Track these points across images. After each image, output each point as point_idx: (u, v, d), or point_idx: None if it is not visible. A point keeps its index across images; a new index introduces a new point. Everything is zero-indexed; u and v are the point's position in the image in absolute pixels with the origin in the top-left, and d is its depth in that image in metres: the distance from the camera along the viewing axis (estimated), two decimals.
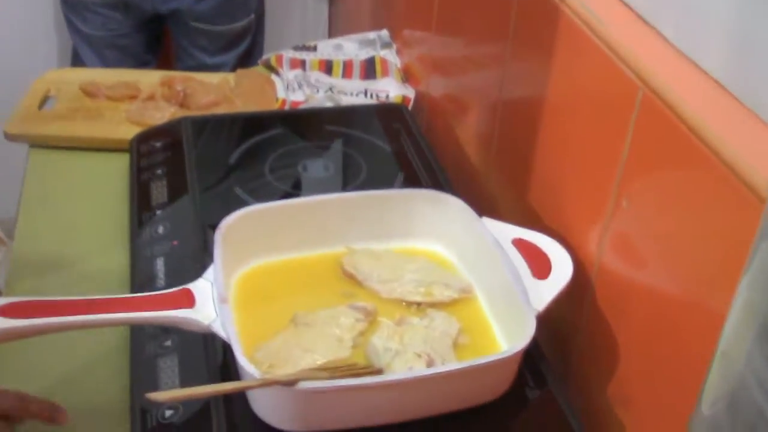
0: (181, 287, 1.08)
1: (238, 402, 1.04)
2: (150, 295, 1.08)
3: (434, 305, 1.19)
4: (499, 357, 1.00)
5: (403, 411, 1.03)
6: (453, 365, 0.99)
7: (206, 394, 1.02)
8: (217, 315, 1.04)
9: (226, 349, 1.03)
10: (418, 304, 1.19)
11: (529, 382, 1.11)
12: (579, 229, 1.17)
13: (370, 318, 1.16)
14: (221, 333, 1.02)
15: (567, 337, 1.21)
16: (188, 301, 1.06)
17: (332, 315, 1.15)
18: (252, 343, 1.11)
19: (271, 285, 1.21)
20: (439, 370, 0.98)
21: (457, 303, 1.19)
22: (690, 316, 0.92)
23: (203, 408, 1.05)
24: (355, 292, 1.21)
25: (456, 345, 1.13)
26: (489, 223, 1.21)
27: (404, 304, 1.19)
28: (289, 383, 0.94)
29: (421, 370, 1.00)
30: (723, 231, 0.86)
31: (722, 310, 0.65)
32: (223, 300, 1.05)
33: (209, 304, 1.05)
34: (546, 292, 1.10)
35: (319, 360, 1.09)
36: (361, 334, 1.14)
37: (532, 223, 1.22)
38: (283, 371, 1.07)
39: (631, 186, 1.03)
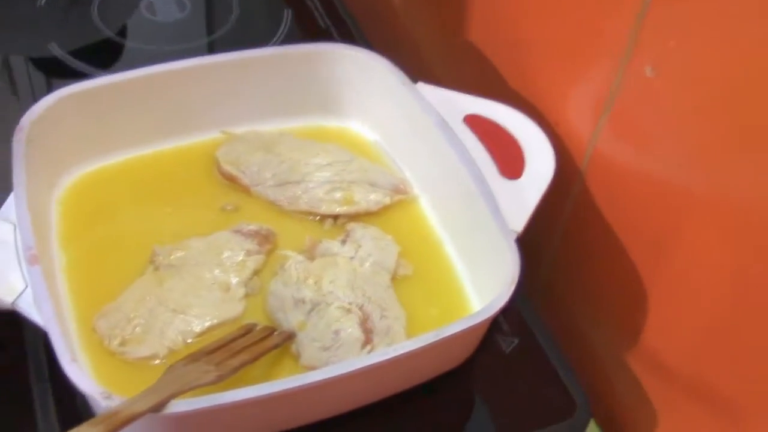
0: None
1: None
2: None
3: (357, 217, 0.83)
4: (475, 321, 0.66)
5: (338, 405, 0.69)
6: (407, 345, 0.64)
7: None
8: (26, 284, 0.65)
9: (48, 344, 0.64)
10: (335, 217, 0.82)
11: (501, 326, 0.79)
12: (564, 100, 0.81)
13: (267, 247, 0.79)
14: (34, 316, 0.63)
15: (536, 246, 0.87)
16: None
17: (209, 247, 0.77)
18: (90, 305, 0.73)
19: (109, 204, 0.82)
20: (388, 355, 0.63)
21: (390, 211, 0.84)
22: (713, 219, 0.65)
23: None
24: (240, 203, 0.83)
25: (395, 278, 0.78)
26: (428, 91, 0.83)
27: (314, 218, 0.82)
28: (154, 408, 0.58)
29: (364, 358, 0.65)
30: None
31: None
32: (33, 257, 0.66)
33: (11, 266, 0.66)
34: (522, 198, 0.76)
35: (197, 325, 0.73)
36: (256, 273, 0.77)
37: (488, 91, 0.84)
38: (144, 347, 0.71)
39: (660, 44, 0.66)
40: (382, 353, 0.63)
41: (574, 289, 0.87)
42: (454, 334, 0.65)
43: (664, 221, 0.72)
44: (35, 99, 0.77)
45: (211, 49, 1.03)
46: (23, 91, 0.95)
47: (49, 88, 0.83)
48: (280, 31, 1.06)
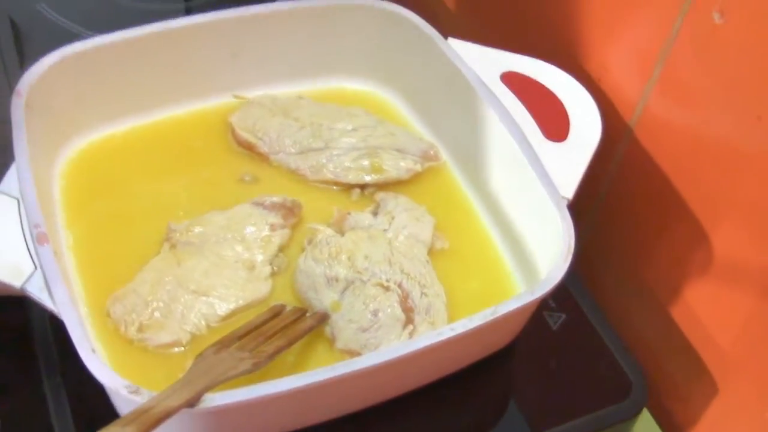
0: None
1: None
2: None
3: (386, 186, 0.76)
4: (533, 297, 0.60)
5: (384, 392, 0.63)
6: (463, 324, 0.58)
7: None
8: (35, 265, 0.58)
9: (58, 330, 0.57)
10: (363, 186, 0.76)
11: (547, 301, 0.73)
12: (610, 53, 0.75)
13: (293, 220, 0.72)
14: (46, 300, 0.57)
15: (574, 210, 0.81)
16: None
17: (229, 222, 0.71)
18: (101, 289, 0.66)
19: (117, 176, 0.75)
20: (443, 336, 0.57)
21: (419, 179, 0.77)
22: None
23: None
24: (259, 173, 0.76)
25: (431, 252, 0.72)
26: (460, 47, 0.76)
27: (339, 188, 0.76)
28: (189, 403, 0.51)
29: (414, 342, 0.58)
30: None
31: None
32: (42, 236, 0.59)
33: (17, 246, 0.59)
34: (569, 162, 0.69)
35: (221, 308, 0.66)
36: (282, 250, 0.71)
37: (523, 46, 0.78)
38: (165, 334, 0.64)
39: None
40: (435, 334, 0.57)
41: (615, 258, 0.81)
42: (512, 311, 0.59)
43: (720, 184, 0.66)
44: (23, 66, 0.70)
45: (215, 7, 0.96)
46: (9, 59, 0.87)
47: (41, 54, 0.76)
48: None
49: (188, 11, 0.92)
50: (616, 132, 0.75)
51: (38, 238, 0.58)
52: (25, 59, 0.85)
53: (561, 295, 0.73)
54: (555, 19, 0.80)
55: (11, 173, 0.62)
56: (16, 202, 0.61)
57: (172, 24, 0.76)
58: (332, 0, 0.79)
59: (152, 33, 0.75)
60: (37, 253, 0.58)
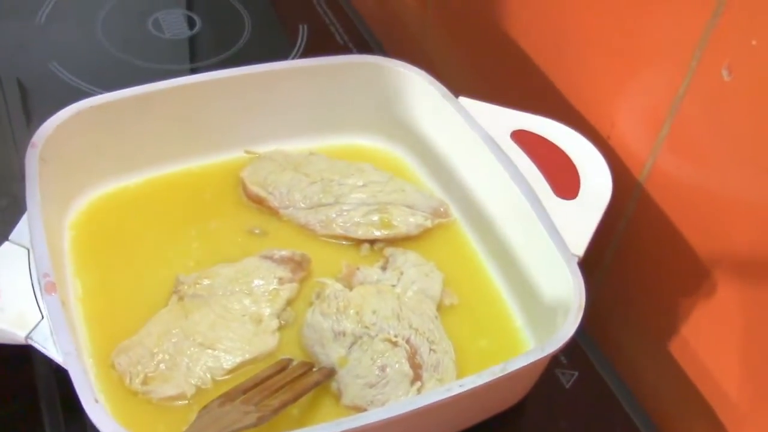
0: None
1: None
2: None
3: (396, 241, 0.76)
4: (544, 353, 0.59)
5: None
6: (472, 381, 0.57)
7: None
8: (42, 315, 0.58)
9: (63, 384, 0.57)
10: (372, 241, 0.76)
11: (560, 358, 0.72)
12: (619, 111, 0.75)
13: (302, 274, 0.72)
14: (51, 352, 0.56)
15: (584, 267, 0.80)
16: None
17: (237, 275, 0.71)
18: (107, 339, 0.66)
19: (127, 228, 0.75)
20: (452, 392, 0.56)
21: (429, 235, 0.77)
22: None
23: None
24: (268, 227, 0.76)
25: (440, 308, 0.71)
26: (471, 105, 0.77)
27: (348, 243, 0.76)
28: None
29: (422, 397, 0.57)
30: None
31: None
32: (50, 285, 0.59)
33: (24, 296, 0.59)
34: (580, 220, 0.69)
35: (227, 361, 0.66)
36: (289, 303, 0.71)
37: (532, 106, 0.78)
38: (169, 386, 0.63)
39: (740, 43, 0.61)
40: (443, 390, 0.56)
41: (627, 314, 0.80)
42: (522, 367, 0.58)
43: (731, 238, 0.66)
44: (30, 126, 0.71)
45: (225, 67, 0.98)
46: (16, 120, 0.87)
47: (49, 113, 0.77)
48: (296, 48, 1.00)
49: (193, 72, 0.93)
50: (626, 188, 0.75)
51: (46, 287, 0.58)
52: (32, 119, 0.86)
53: (573, 353, 0.72)
54: (564, 78, 0.81)
55: (22, 223, 0.62)
56: (26, 251, 0.61)
57: (190, 79, 0.77)
58: (343, 57, 0.80)
59: (164, 89, 0.75)
60: (44, 303, 0.58)
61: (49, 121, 0.69)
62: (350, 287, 0.70)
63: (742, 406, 0.67)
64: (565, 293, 0.64)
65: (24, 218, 0.63)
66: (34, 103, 0.89)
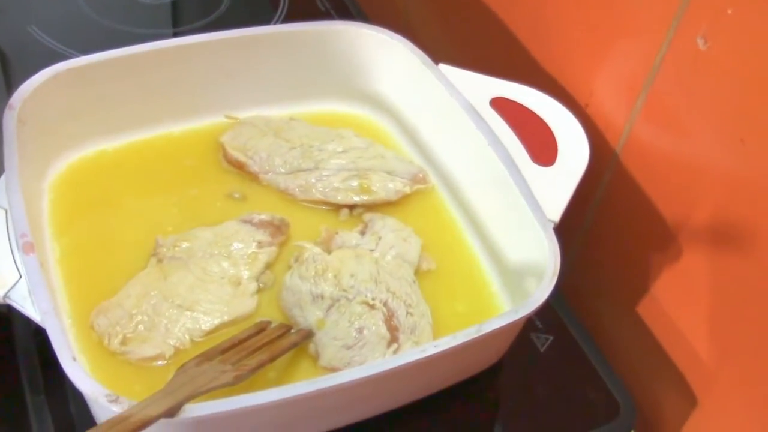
0: None
1: None
2: None
3: (374, 207, 0.77)
4: (517, 316, 0.60)
5: (364, 410, 0.63)
6: (446, 342, 0.58)
7: None
8: (20, 275, 0.58)
9: (42, 345, 0.57)
10: (351, 207, 0.76)
11: (535, 322, 0.73)
12: (596, 80, 0.76)
13: (281, 238, 0.73)
14: (29, 311, 0.57)
15: (561, 234, 0.81)
16: None
17: (217, 238, 0.71)
18: (87, 301, 0.66)
19: (106, 191, 0.75)
20: (426, 353, 0.57)
21: (408, 201, 0.78)
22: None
23: None
24: (248, 191, 0.77)
25: (418, 273, 0.72)
26: (451, 72, 0.77)
27: (327, 208, 0.76)
28: (169, 413, 0.51)
29: (397, 357, 0.58)
30: None
31: None
32: (27, 245, 0.59)
33: (2, 256, 0.59)
34: (556, 186, 0.70)
35: (205, 323, 0.66)
36: (268, 267, 0.71)
37: (511, 73, 0.79)
38: (148, 347, 0.64)
39: (716, 12, 0.61)
40: (418, 351, 0.57)
41: (602, 281, 0.82)
42: (496, 329, 0.59)
43: (705, 206, 0.67)
44: (10, 87, 0.71)
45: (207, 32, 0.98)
46: None
47: (30, 76, 0.76)
48: (278, 13, 1.00)
49: (176, 36, 0.93)
50: (602, 156, 0.76)
51: (24, 247, 0.58)
52: (11, 84, 0.86)
53: (548, 318, 0.73)
54: (543, 47, 0.81)
55: (0, 184, 0.63)
56: (3, 212, 0.61)
57: (164, 44, 0.76)
58: (324, 24, 0.80)
59: (144, 52, 0.75)
60: (22, 263, 0.58)
61: (27, 83, 0.69)
62: (329, 251, 0.71)
63: (710, 364, 0.68)
64: (542, 258, 0.65)
65: (2, 179, 0.63)
66: (14, 67, 0.89)
